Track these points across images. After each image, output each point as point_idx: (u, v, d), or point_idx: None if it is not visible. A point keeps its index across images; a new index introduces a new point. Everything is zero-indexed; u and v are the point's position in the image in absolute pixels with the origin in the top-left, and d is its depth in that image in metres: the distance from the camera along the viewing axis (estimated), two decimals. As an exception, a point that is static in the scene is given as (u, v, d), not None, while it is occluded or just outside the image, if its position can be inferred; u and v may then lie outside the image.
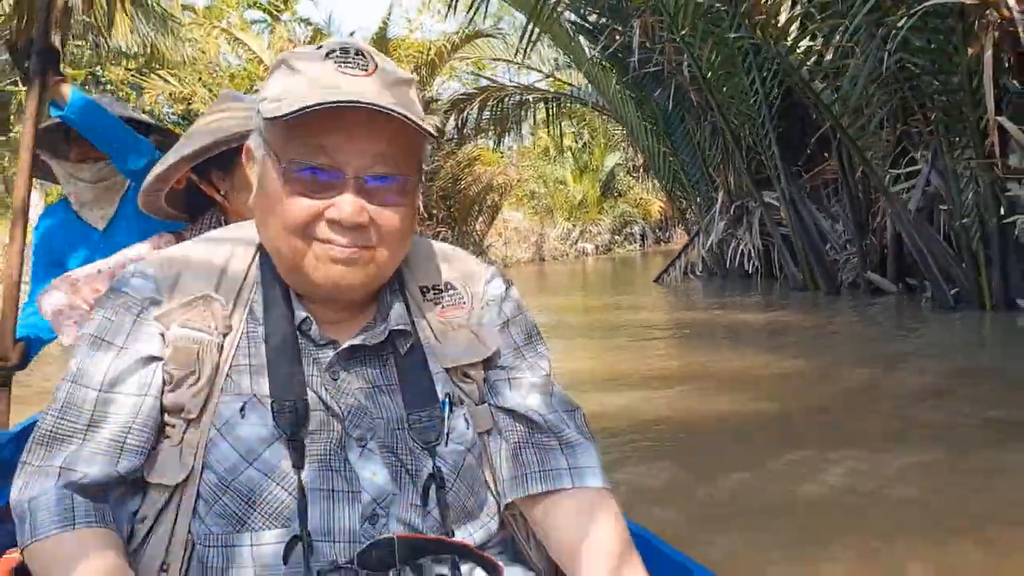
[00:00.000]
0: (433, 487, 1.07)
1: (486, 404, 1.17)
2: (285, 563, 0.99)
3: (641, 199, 27.77)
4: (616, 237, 27.15)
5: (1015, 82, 6.77)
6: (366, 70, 1.03)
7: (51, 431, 1.06)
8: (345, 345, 1.10)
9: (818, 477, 3.36)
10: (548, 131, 17.67)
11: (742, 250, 11.70)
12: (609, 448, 3.78)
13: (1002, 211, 6.85)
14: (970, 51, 6.50)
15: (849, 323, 7.97)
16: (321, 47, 1.06)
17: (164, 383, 1.07)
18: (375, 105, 0.98)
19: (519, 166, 25.69)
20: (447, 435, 1.10)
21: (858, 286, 9.33)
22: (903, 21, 6.35)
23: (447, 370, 1.14)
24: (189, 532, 1.03)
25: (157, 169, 1.84)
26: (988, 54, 6.01)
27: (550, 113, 15.06)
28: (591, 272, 19.96)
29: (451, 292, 1.19)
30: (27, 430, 2.09)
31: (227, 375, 1.07)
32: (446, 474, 1.09)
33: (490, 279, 1.23)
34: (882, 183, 7.55)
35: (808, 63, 8.01)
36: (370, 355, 1.12)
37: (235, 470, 1.03)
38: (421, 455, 1.08)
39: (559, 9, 10.16)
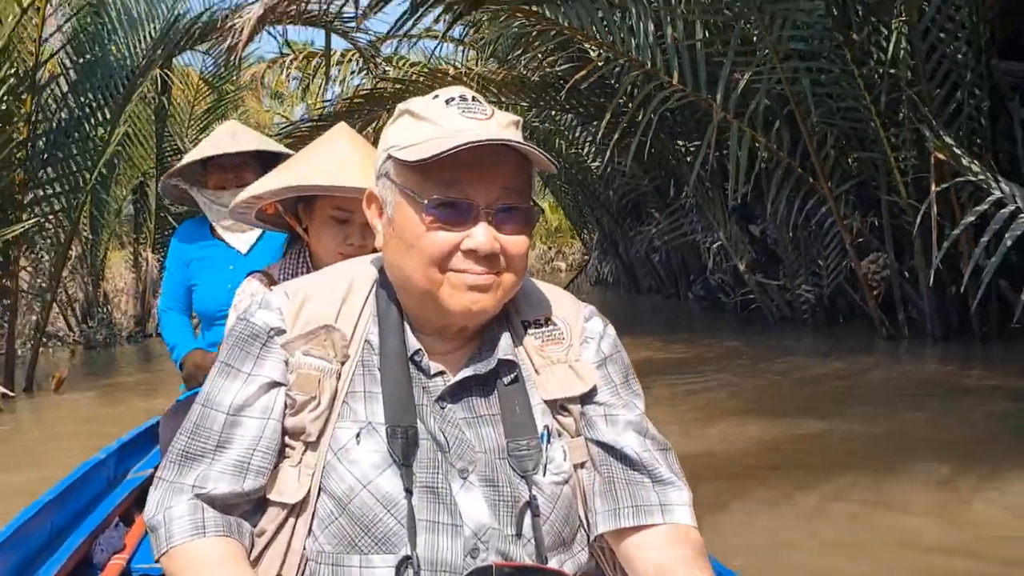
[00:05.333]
0: (528, 514, 1.12)
1: (582, 437, 1.20)
2: None
3: (608, 229, 34.63)
4: (587, 258, 33.68)
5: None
6: (486, 114, 1.12)
7: (184, 451, 1.14)
8: (458, 378, 1.16)
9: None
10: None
11: (610, 268, 18.45)
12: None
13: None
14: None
15: (615, 303, 15.12)
16: (437, 96, 1.14)
17: (286, 407, 1.14)
18: (517, 143, 1.08)
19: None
20: (545, 465, 1.15)
21: (651, 289, 15.94)
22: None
23: (546, 403, 1.18)
24: (304, 548, 1.11)
25: (246, 192, 1.89)
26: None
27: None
28: (548, 281, 26.92)
29: (551, 328, 1.24)
30: (186, 403, 2.50)
31: (344, 402, 1.13)
32: (543, 503, 1.13)
33: (589, 317, 1.28)
34: (626, 234, 14.30)
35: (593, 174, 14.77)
36: (475, 384, 1.17)
37: (351, 493, 1.09)
38: (519, 484, 1.13)
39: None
